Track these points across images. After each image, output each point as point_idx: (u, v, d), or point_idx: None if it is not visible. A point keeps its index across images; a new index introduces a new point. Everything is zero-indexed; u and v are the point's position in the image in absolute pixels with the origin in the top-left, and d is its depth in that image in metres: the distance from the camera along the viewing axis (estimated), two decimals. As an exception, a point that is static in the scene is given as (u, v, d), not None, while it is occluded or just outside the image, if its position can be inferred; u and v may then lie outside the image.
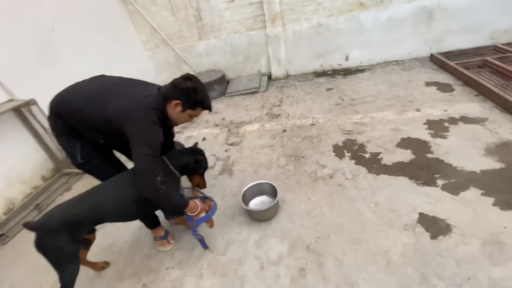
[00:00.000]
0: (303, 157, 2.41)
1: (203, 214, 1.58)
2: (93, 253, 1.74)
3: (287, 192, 2.04)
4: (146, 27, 4.25)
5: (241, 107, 3.68)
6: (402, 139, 2.34)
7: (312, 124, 2.89)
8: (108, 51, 3.72)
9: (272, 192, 1.91)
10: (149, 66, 4.62)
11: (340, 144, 2.48)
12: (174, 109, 1.36)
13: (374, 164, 2.14)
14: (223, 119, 3.44)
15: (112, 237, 1.96)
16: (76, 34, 3.23)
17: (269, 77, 4.40)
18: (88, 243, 1.58)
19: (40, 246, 1.21)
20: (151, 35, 4.34)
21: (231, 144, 2.83)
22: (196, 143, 1.93)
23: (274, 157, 2.48)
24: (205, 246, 1.69)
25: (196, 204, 1.52)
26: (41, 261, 1.25)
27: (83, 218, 1.27)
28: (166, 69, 4.65)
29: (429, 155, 2.09)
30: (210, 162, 2.56)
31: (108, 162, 1.53)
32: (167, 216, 1.65)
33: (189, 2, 3.96)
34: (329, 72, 4.21)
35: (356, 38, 3.89)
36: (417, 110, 2.69)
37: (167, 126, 1.49)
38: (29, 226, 1.21)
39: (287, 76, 4.38)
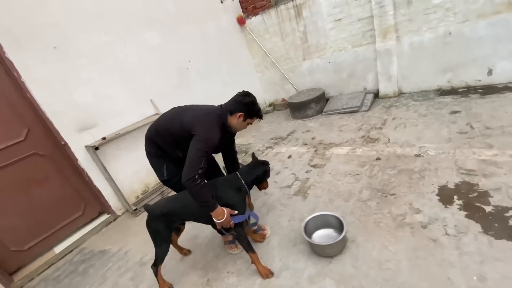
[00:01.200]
0: (393, 194, 2.04)
1: (229, 224, 1.66)
2: (182, 240, 2.16)
3: (360, 232, 1.80)
4: (259, 52, 4.83)
5: (335, 127, 3.51)
6: (562, 195, 1.56)
7: (418, 155, 2.39)
8: (227, 75, 4.49)
9: (339, 227, 1.75)
10: (258, 85, 5.20)
11: (451, 186, 1.93)
12: (238, 119, 1.66)
13: (495, 223, 1.54)
14: (313, 138, 3.40)
15: (198, 230, 2.35)
16: (205, 63, 4.11)
17: (376, 95, 3.96)
18: (179, 231, 2.01)
19: (147, 224, 1.69)
20: (262, 58, 4.88)
21: (313, 166, 2.76)
22: (253, 153, 2.04)
23: (357, 188, 2.23)
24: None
25: (223, 211, 1.59)
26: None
27: (174, 213, 1.67)
28: (271, 88, 5.09)
29: None
30: (288, 181, 2.63)
31: None
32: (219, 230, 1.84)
33: (297, 26, 4.20)
34: (460, 90, 3.33)
35: (506, 47, 2.90)
36: None
37: (228, 134, 1.81)
38: (144, 207, 1.73)
39: (399, 94, 3.80)
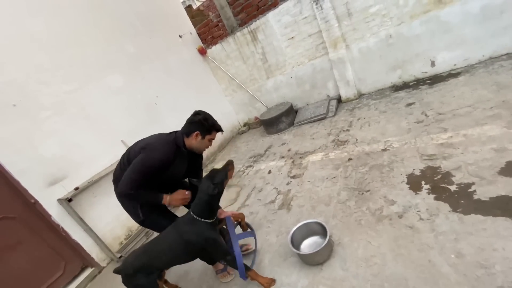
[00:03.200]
0: (368, 191, 2.14)
1: (185, 195, 1.76)
2: (173, 278, 2.09)
3: (344, 234, 1.85)
4: (224, 77, 5.01)
5: (307, 136, 3.65)
6: (509, 163, 1.74)
7: (384, 150, 2.55)
8: (197, 103, 4.56)
9: (323, 232, 1.79)
10: (229, 108, 5.33)
11: (418, 173, 2.07)
12: (196, 139, 1.68)
13: (462, 200, 1.67)
14: (289, 150, 3.50)
15: (187, 266, 2.26)
16: (173, 96, 4.18)
17: (339, 100, 4.21)
18: (161, 276, 1.89)
19: (126, 284, 1.60)
20: (229, 83, 5.06)
21: (293, 177, 2.84)
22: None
23: (335, 190, 2.32)
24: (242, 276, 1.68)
25: (166, 195, 1.68)
26: None
27: (147, 267, 1.58)
28: (242, 109, 5.24)
29: (556, 186, 1.46)
30: (271, 196, 2.67)
31: (163, 216, 1.84)
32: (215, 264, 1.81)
33: (256, 48, 4.44)
34: (411, 84, 3.64)
35: (441, 39, 3.26)
36: (540, 119, 1.95)
37: (194, 157, 1.84)
38: (115, 271, 1.62)
39: (360, 96, 4.07)
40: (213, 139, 1.78)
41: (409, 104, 3.14)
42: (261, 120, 4.46)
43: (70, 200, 2.60)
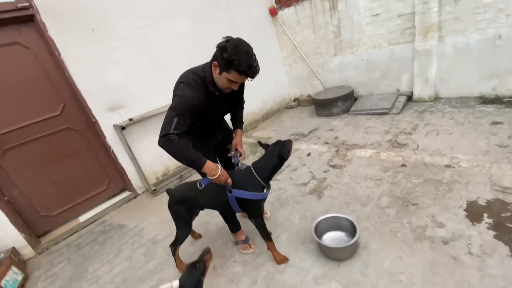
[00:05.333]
0: (415, 204, 1.92)
1: (226, 180, 1.47)
2: (195, 224, 2.20)
3: (374, 239, 1.72)
4: (288, 45, 4.72)
5: (361, 128, 3.36)
6: None
7: (448, 166, 2.22)
8: (254, 66, 4.45)
9: (352, 231, 1.68)
10: (284, 79, 5.11)
11: (482, 203, 1.77)
12: (215, 71, 1.37)
13: (531, 249, 1.39)
14: (336, 137, 3.28)
15: (209, 217, 2.38)
16: (233, 53, 4.10)
17: (410, 97, 3.72)
18: (197, 213, 2.04)
19: (169, 207, 1.73)
20: (291, 52, 4.77)
21: (332, 166, 2.68)
22: (259, 142, 1.79)
23: (376, 193, 2.13)
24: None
25: (216, 166, 1.41)
26: (167, 216, 1.78)
27: (192, 201, 1.67)
28: (297, 82, 4.98)
29: None
30: (304, 179, 2.58)
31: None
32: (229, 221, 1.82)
33: (331, 19, 4.03)
34: (505, 100, 3.01)
35: None
36: None
37: (226, 93, 1.49)
38: (167, 191, 1.76)
39: (436, 99, 3.53)
40: (233, 81, 1.35)
41: (496, 123, 2.63)
42: (314, 99, 4.20)
43: (123, 128, 2.83)
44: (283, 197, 2.40)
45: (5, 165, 2.45)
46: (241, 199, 1.55)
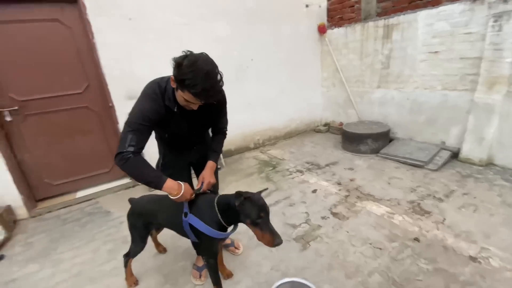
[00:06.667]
0: (413, 297, 1.51)
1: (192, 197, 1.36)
2: (165, 235, 2.08)
3: (343, 327, 1.38)
4: (331, 66, 4.40)
5: (385, 176, 2.90)
6: None
7: (473, 258, 1.73)
8: (287, 81, 4.24)
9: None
10: (319, 101, 4.78)
11: (506, 328, 1.31)
12: (173, 85, 1.22)
13: None
14: (352, 180, 2.88)
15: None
16: (266, 65, 3.94)
17: (455, 155, 3.12)
18: (160, 229, 1.94)
19: (127, 217, 1.63)
20: (332, 74, 4.43)
21: (334, 214, 2.32)
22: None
23: (369, 266, 1.75)
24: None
25: (179, 185, 1.29)
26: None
27: (151, 216, 1.55)
28: (332, 107, 4.62)
29: None
30: (296, 220, 2.29)
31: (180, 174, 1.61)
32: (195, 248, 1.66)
33: (382, 48, 3.61)
34: None
35: None
36: None
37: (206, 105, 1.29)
38: (129, 200, 1.66)
39: (487, 164, 2.89)
40: (189, 101, 1.18)
41: None
42: (343, 130, 3.81)
43: (134, 118, 2.86)
44: (266, 234, 2.14)
45: (24, 129, 2.64)
46: (196, 228, 1.36)
